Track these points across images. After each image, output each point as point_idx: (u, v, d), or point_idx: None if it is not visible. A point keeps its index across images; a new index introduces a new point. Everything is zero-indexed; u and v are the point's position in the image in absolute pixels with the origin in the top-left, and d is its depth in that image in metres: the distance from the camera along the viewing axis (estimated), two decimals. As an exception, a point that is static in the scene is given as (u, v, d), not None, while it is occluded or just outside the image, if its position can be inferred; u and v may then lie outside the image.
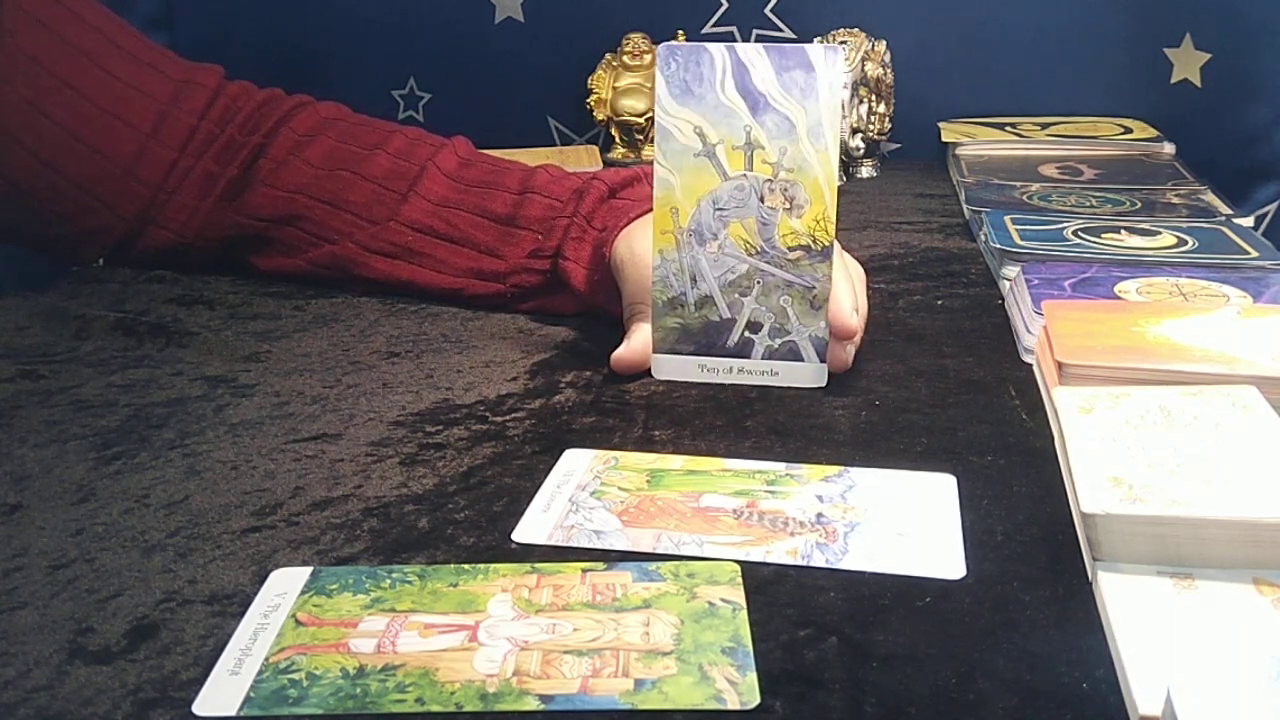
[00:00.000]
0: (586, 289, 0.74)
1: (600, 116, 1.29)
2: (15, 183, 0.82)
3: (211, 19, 1.42)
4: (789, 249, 0.64)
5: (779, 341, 0.65)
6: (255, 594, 0.46)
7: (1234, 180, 1.16)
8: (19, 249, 1.03)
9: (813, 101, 0.63)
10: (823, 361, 0.65)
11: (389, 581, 0.46)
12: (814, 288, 0.63)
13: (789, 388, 0.65)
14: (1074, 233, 0.87)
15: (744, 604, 0.45)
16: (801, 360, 0.65)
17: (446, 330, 0.76)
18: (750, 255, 0.64)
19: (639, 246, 0.69)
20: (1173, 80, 1.27)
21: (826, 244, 0.63)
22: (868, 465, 0.56)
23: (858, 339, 0.67)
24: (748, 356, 0.66)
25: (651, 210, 0.67)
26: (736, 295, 0.65)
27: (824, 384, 0.65)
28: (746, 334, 0.65)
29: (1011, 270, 0.80)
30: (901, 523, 0.51)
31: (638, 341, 0.67)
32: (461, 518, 0.52)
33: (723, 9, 1.34)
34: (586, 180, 0.78)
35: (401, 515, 0.52)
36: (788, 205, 0.63)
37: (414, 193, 0.80)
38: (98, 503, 0.53)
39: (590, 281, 0.74)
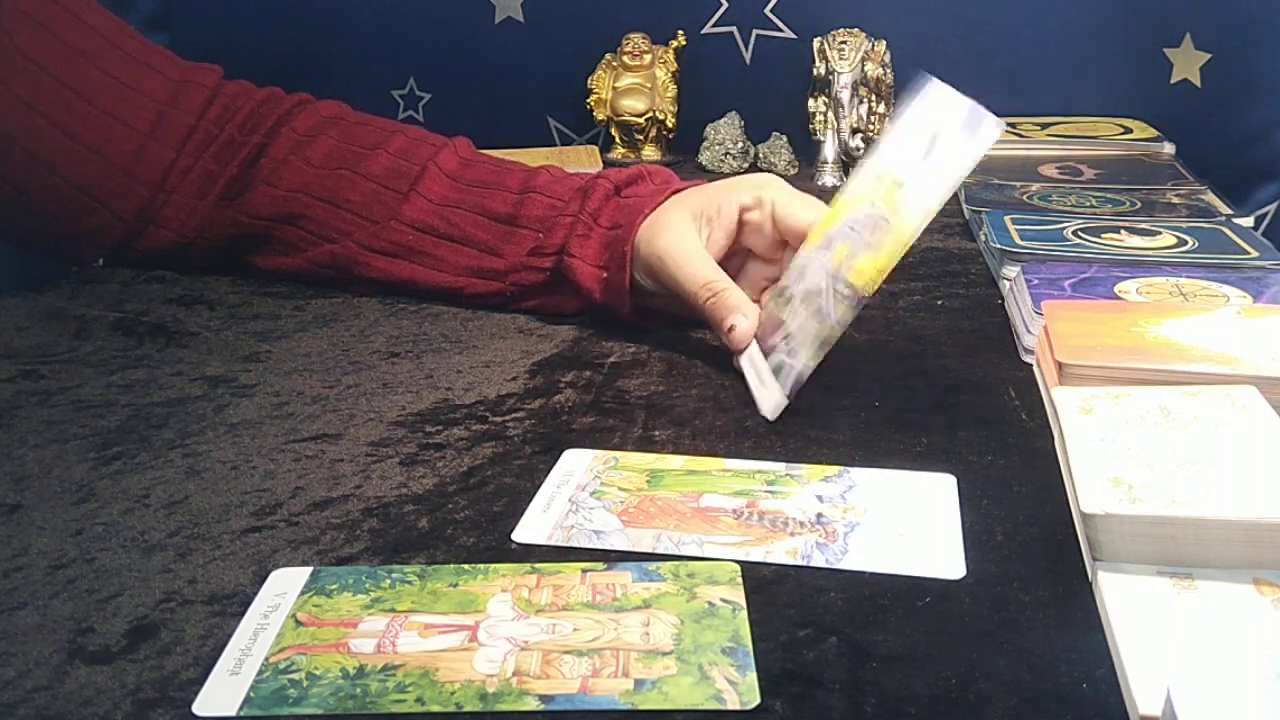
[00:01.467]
0: (594, 285, 0.74)
1: (600, 116, 1.29)
2: (14, 184, 0.82)
3: (211, 19, 1.42)
4: (849, 282, 0.62)
5: (780, 358, 0.64)
6: (255, 594, 0.46)
7: (1234, 180, 1.16)
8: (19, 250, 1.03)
9: (951, 163, 0.61)
10: (787, 399, 0.63)
11: (389, 581, 0.46)
12: (832, 327, 0.62)
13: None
14: (1074, 233, 0.87)
15: (744, 604, 0.45)
16: (777, 385, 0.63)
17: (446, 330, 0.76)
18: (830, 274, 0.63)
19: (673, 238, 0.69)
20: (1173, 80, 1.27)
21: (865, 295, 0.61)
22: (868, 465, 0.56)
23: None
24: (766, 359, 0.65)
25: (663, 200, 0.66)
26: (799, 303, 0.64)
27: (773, 418, 0.63)
28: (781, 340, 0.65)
29: (1011, 270, 0.80)
30: (901, 523, 0.51)
31: (754, 315, 0.67)
32: (461, 518, 0.52)
33: (723, 9, 1.34)
34: (590, 180, 0.78)
35: (401, 515, 0.52)
36: (869, 242, 0.62)
37: (414, 192, 0.80)
38: (98, 503, 0.53)
39: (598, 278, 0.74)
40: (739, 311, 0.67)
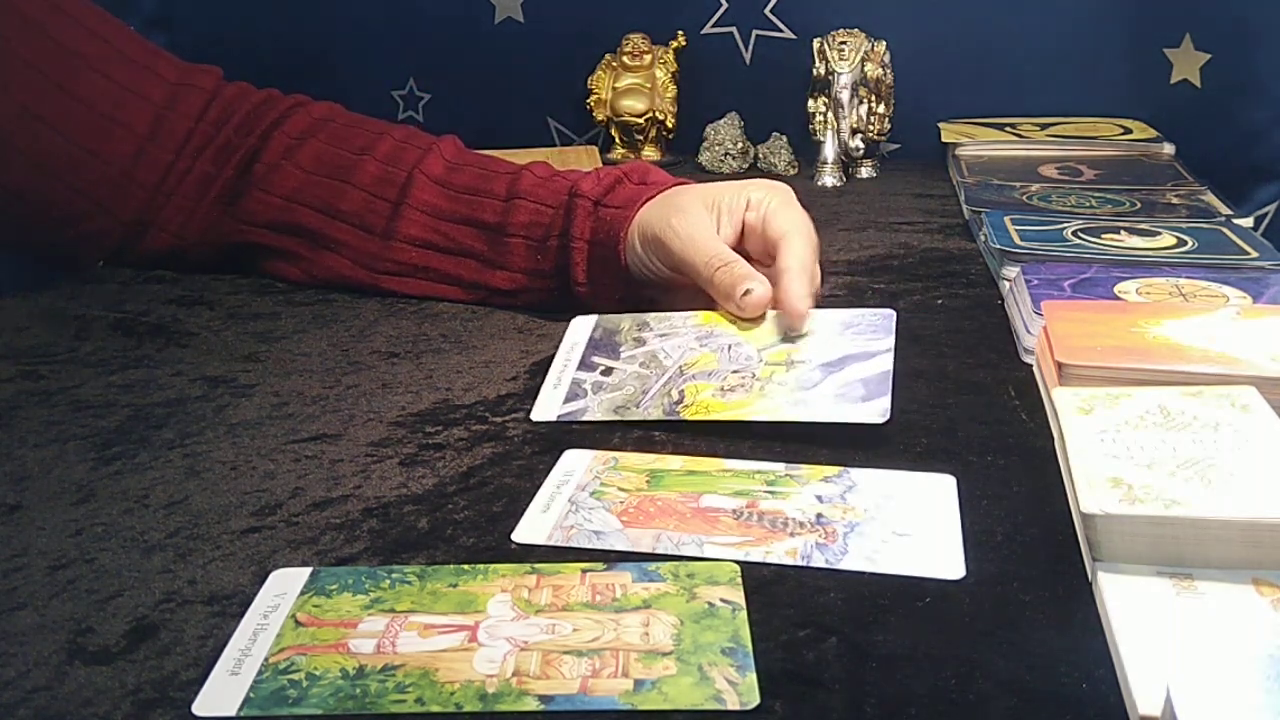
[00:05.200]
0: (588, 296, 0.75)
1: (600, 116, 1.29)
2: (12, 189, 0.81)
3: (211, 20, 1.42)
4: (682, 393, 0.62)
5: (588, 383, 0.65)
6: (255, 594, 0.46)
7: (1234, 180, 1.16)
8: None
9: (822, 405, 0.60)
10: (556, 419, 0.62)
11: (389, 582, 0.46)
12: (634, 411, 0.62)
13: None
14: (1074, 233, 0.87)
15: (744, 604, 0.45)
16: (559, 402, 0.63)
17: (446, 330, 0.76)
18: (678, 371, 0.64)
19: (687, 218, 0.69)
20: (1173, 80, 1.27)
21: (680, 418, 0.61)
22: (868, 465, 0.56)
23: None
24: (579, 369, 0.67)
25: (653, 194, 0.69)
26: (642, 357, 0.66)
27: (534, 419, 0.63)
28: (603, 367, 0.66)
29: (1011, 270, 0.80)
30: (901, 523, 0.51)
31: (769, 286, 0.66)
32: (461, 518, 0.52)
33: (723, 9, 1.34)
34: (571, 188, 0.77)
35: (401, 515, 0.52)
36: (724, 384, 0.62)
37: (405, 204, 0.80)
38: (98, 503, 0.53)
39: (594, 288, 0.75)
40: (754, 278, 0.66)
